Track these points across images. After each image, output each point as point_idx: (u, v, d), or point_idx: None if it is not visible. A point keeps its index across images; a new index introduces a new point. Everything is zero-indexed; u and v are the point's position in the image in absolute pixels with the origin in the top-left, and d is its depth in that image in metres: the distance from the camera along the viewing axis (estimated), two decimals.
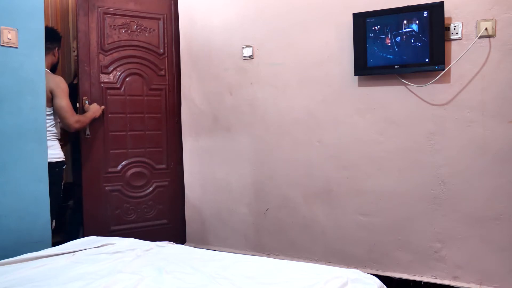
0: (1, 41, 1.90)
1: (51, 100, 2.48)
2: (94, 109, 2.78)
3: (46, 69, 2.50)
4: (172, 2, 3.18)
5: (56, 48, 2.66)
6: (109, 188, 2.96)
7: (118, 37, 3.00)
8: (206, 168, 3.09)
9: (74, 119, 2.57)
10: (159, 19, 3.15)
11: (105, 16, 2.96)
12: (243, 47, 2.89)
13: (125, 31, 3.01)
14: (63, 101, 2.50)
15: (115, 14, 2.99)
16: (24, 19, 1.99)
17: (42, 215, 2.07)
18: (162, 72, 3.17)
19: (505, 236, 2.19)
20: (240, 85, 2.93)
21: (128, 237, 1.95)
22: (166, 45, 3.17)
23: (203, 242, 3.11)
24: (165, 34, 3.16)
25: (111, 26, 2.97)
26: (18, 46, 1.97)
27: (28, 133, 2.01)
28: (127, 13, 3.02)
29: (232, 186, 2.99)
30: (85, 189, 2.88)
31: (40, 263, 1.60)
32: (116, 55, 2.99)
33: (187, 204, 3.18)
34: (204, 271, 1.47)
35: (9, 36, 1.92)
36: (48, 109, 2.40)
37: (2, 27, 1.90)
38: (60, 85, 2.51)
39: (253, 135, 2.90)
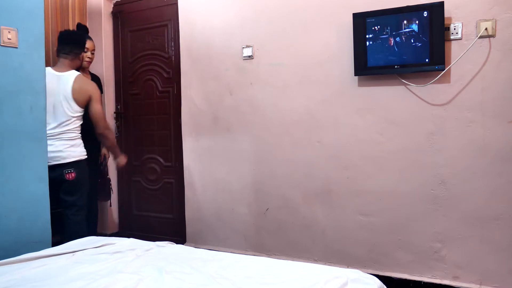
0: (1, 41, 1.90)
1: (87, 102, 2.61)
2: (122, 158, 2.85)
3: (85, 74, 2.76)
4: (176, 6, 3.21)
5: (82, 53, 2.82)
6: (134, 179, 3.53)
7: (137, 49, 3.45)
8: (206, 168, 3.09)
9: (106, 124, 2.71)
10: (166, 25, 3.28)
11: (128, 34, 3.50)
12: (243, 47, 2.89)
13: (141, 43, 3.44)
14: (99, 105, 2.64)
15: (135, 31, 3.47)
16: (24, 19, 1.99)
17: (42, 215, 2.07)
18: (169, 75, 3.28)
19: (505, 236, 2.19)
20: (240, 85, 2.93)
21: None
22: (171, 48, 3.27)
23: (203, 242, 3.11)
24: (171, 38, 3.27)
25: (132, 42, 3.49)
26: (18, 46, 1.97)
27: (28, 133, 2.01)
28: (143, 26, 3.42)
29: (232, 186, 2.99)
30: (119, 180, 3.60)
31: (40, 263, 1.59)
32: (136, 65, 3.46)
33: (187, 204, 3.18)
34: (204, 271, 1.46)
35: (9, 36, 1.92)
36: (80, 110, 2.58)
37: (2, 27, 1.90)
38: (98, 91, 2.66)
39: (253, 135, 2.90)
